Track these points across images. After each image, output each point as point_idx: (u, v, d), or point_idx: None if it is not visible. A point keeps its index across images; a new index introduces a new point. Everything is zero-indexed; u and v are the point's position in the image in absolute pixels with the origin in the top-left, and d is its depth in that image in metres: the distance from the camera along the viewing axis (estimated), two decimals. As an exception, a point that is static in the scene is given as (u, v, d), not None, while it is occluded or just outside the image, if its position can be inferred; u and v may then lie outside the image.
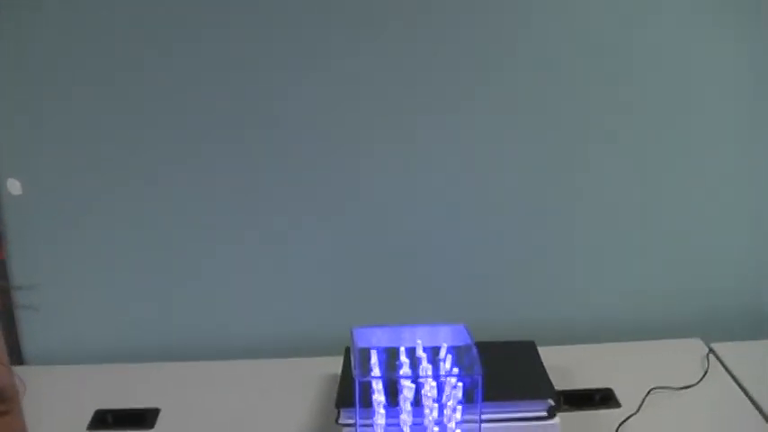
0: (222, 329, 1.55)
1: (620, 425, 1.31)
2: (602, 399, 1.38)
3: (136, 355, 1.50)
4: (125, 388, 1.43)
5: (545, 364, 1.29)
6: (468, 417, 1.14)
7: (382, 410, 1.14)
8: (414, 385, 1.13)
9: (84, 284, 1.51)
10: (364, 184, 1.49)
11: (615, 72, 1.45)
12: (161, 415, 1.37)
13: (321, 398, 1.40)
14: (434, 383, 1.15)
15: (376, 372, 1.17)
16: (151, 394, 1.41)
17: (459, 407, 1.14)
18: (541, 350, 1.33)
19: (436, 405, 1.15)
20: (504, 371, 1.23)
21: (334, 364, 1.33)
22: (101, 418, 1.36)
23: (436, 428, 1.14)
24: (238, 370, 1.49)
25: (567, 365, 1.43)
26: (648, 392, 1.37)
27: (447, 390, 1.17)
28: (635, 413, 1.33)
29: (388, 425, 1.14)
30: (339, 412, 1.22)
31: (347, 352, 1.25)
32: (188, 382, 1.45)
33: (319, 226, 1.51)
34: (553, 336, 1.45)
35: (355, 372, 1.11)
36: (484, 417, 1.15)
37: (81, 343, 1.53)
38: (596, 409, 1.35)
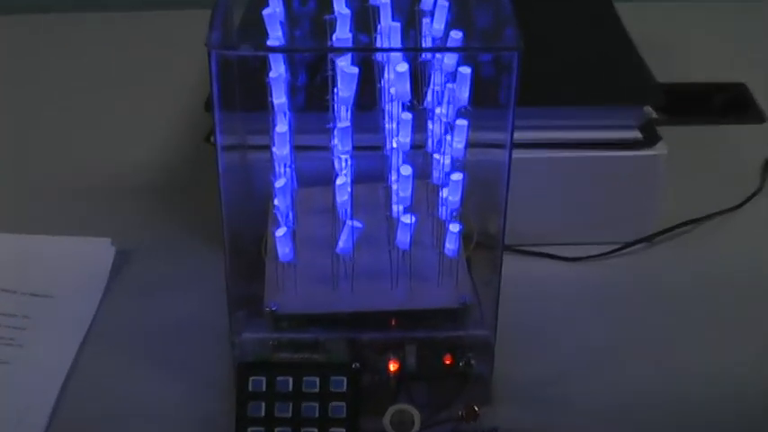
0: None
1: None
2: (729, 103, 0.90)
3: None
4: None
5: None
6: (478, 138, 0.56)
7: (284, 124, 0.55)
8: (356, 69, 0.52)
9: None
10: None
11: None
12: None
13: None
14: (405, 67, 0.52)
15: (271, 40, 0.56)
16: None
17: (462, 122, 0.56)
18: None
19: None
20: (555, 48, 0.72)
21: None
22: None
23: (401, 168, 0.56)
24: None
25: (657, 40, 0.87)
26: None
27: (436, 78, 0.57)
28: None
29: (298, 156, 0.57)
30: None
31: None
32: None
33: None
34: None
35: (210, 36, 0.49)
36: (521, 139, 0.58)
37: None
38: (717, 121, 0.87)
